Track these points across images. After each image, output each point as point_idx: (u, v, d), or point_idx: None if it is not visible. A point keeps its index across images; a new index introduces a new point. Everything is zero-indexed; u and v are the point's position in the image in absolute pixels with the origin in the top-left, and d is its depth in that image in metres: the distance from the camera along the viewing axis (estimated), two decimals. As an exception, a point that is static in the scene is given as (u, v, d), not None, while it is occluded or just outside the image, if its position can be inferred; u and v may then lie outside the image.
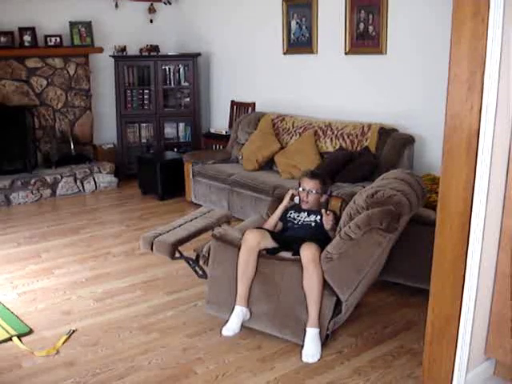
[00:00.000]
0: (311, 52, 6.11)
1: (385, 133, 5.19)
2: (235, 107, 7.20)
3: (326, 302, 3.24)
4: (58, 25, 7.04)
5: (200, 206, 5.66)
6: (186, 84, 7.53)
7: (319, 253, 3.21)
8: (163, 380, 3.09)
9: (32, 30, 6.81)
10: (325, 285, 3.20)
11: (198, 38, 7.69)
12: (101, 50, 7.29)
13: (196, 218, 4.32)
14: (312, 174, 3.85)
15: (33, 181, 6.64)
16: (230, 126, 7.12)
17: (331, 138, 5.54)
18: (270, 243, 3.47)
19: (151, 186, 6.75)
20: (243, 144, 6.31)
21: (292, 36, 6.34)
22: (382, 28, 5.33)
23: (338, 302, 3.26)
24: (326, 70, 5.99)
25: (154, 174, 6.64)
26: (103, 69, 7.49)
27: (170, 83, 7.51)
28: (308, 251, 3.22)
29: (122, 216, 6.20)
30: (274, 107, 6.51)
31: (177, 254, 3.82)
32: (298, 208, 3.82)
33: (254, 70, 6.92)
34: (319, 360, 3.22)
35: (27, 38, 6.80)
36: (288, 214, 3.82)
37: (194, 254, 3.86)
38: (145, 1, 7.73)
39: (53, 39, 6.97)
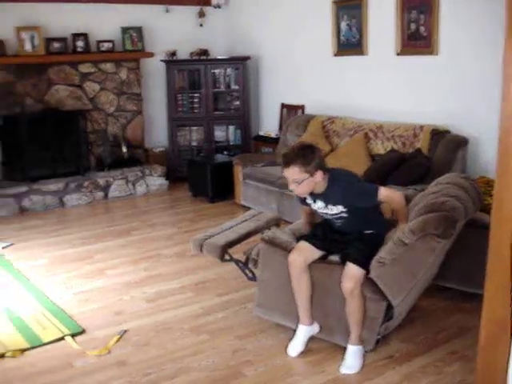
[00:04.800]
0: (361, 53, 6.06)
1: (437, 134, 5.09)
2: (285, 110, 7.19)
3: (377, 306, 3.19)
4: (110, 30, 7.17)
5: (249, 208, 5.67)
6: (236, 87, 7.56)
7: (360, 277, 3.10)
8: (213, 381, 3.10)
9: (85, 35, 6.95)
10: (376, 290, 3.15)
11: (247, 41, 7.72)
12: (152, 54, 7.38)
13: (245, 220, 4.32)
14: (286, 161, 3.13)
15: (86, 183, 6.77)
16: (280, 128, 7.12)
17: (382, 140, 5.47)
18: (316, 254, 3.31)
19: (201, 188, 6.80)
20: (293, 147, 6.29)
21: (342, 37, 6.29)
22: (434, 28, 5.23)
23: (390, 307, 3.21)
24: (377, 72, 5.92)
25: (204, 177, 6.69)
26: (154, 73, 7.60)
27: (220, 86, 7.56)
28: (347, 283, 3.09)
29: (173, 218, 6.26)
30: (323, 109, 6.47)
31: (226, 257, 3.83)
32: (311, 194, 3.29)
33: (303, 72, 6.90)
34: (359, 371, 3.15)
35: (80, 43, 6.95)
36: (307, 201, 3.38)
37: (244, 256, 3.86)
38: (195, 5, 7.80)
39: (105, 45, 7.10)
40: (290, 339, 3.39)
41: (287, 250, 3.41)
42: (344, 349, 3.24)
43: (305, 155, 3.09)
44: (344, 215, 3.24)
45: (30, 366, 3.29)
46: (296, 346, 3.33)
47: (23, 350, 3.44)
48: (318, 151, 3.18)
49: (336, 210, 3.23)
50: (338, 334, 3.32)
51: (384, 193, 3.17)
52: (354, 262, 3.12)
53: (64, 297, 4.21)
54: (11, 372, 3.23)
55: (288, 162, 3.10)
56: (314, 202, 3.30)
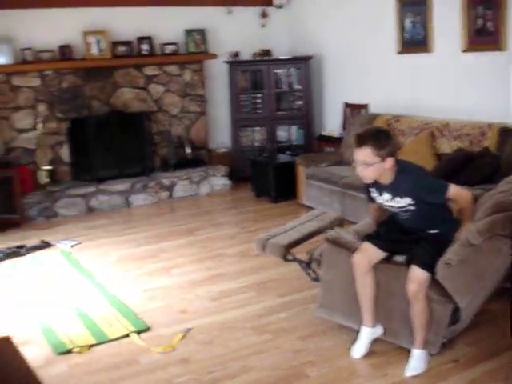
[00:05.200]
0: (426, 51, 5.93)
1: (506, 132, 4.93)
2: (348, 109, 7.12)
3: (443, 309, 3.11)
4: (174, 33, 7.28)
5: (312, 208, 5.63)
6: (299, 87, 7.54)
7: (426, 280, 3.02)
8: (275, 381, 3.10)
9: (149, 39, 7.08)
10: (442, 292, 3.07)
11: (309, 41, 7.69)
12: (215, 56, 7.45)
13: (309, 220, 4.29)
14: (359, 141, 3.01)
15: (151, 184, 6.90)
16: (343, 127, 7.06)
17: (448, 139, 5.34)
18: (380, 255, 3.25)
19: (264, 188, 6.82)
20: (356, 146, 6.22)
21: (406, 35, 6.18)
22: (502, 23, 5.07)
23: (457, 309, 3.12)
24: (442, 69, 5.78)
25: (267, 177, 6.70)
26: (217, 74, 7.66)
27: (283, 87, 7.55)
28: (413, 285, 3.03)
29: (236, 218, 6.30)
30: (388, 108, 6.37)
31: (289, 257, 3.81)
32: (377, 185, 3.18)
33: (366, 70, 6.82)
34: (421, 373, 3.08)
35: (145, 46, 7.08)
36: (375, 197, 3.27)
37: (307, 256, 3.84)
38: (257, 6, 7.82)
39: (169, 47, 7.22)
40: (353, 341, 3.34)
41: (351, 250, 3.37)
42: (408, 352, 3.17)
43: (379, 139, 2.99)
44: (411, 208, 3.11)
45: (97, 361, 3.37)
46: (359, 349, 3.29)
47: (90, 346, 3.53)
48: (393, 138, 3.11)
49: (403, 202, 3.10)
50: (402, 336, 3.25)
51: (453, 190, 3.07)
52: (420, 264, 3.04)
53: (130, 295, 4.29)
54: (78, 367, 3.32)
55: (361, 142, 2.99)
56: (380, 194, 3.18)
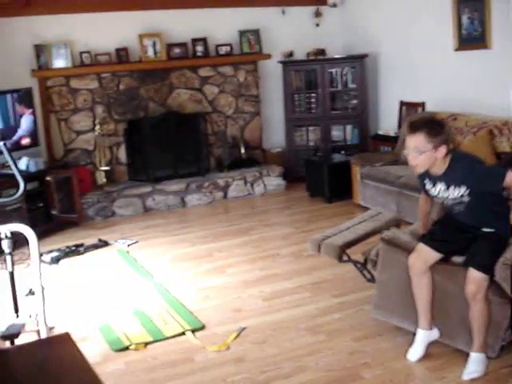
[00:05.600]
0: (484, 47, 5.76)
1: None
2: (404, 107, 7.01)
3: (503, 311, 3.02)
4: (228, 34, 7.32)
5: (368, 208, 5.57)
6: (353, 86, 7.46)
7: (484, 282, 2.94)
8: (329, 382, 3.07)
9: (204, 40, 7.14)
10: (502, 293, 2.99)
11: (364, 39, 7.61)
12: (269, 56, 7.46)
13: (364, 220, 4.25)
14: (412, 127, 2.95)
15: (206, 184, 6.95)
16: (399, 127, 6.95)
17: (508, 137, 5.19)
18: (436, 256, 3.16)
19: (319, 188, 6.78)
20: (412, 145, 6.12)
21: (463, 32, 6.04)
22: None
23: (517, 311, 3.03)
24: (501, 65, 5.62)
25: (322, 177, 6.66)
26: (271, 74, 7.67)
27: (337, 86, 7.49)
28: (471, 286, 2.95)
29: (290, 218, 6.28)
30: (444, 106, 6.24)
31: (344, 257, 3.78)
32: (431, 176, 3.10)
33: (422, 68, 6.69)
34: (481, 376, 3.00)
35: (199, 48, 7.15)
36: (427, 189, 3.19)
37: (362, 257, 3.80)
38: (311, 5, 7.79)
39: (223, 48, 7.26)
40: (410, 343, 3.28)
41: (408, 250, 3.31)
42: (466, 354, 3.09)
43: (433, 126, 2.94)
44: (465, 199, 3.01)
45: (153, 358, 3.42)
46: (415, 352, 3.23)
47: (146, 344, 3.58)
48: (447, 127, 3.03)
49: (458, 192, 2.99)
50: (459, 338, 3.18)
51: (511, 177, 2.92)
52: (477, 266, 2.96)
53: (185, 293, 4.34)
54: (135, 364, 3.37)
55: (414, 128, 2.93)
56: (434, 185, 3.09)
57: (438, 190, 3.08)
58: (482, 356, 3.04)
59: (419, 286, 3.19)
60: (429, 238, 3.23)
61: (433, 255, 3.16)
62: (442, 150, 2.93)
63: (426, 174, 3.11)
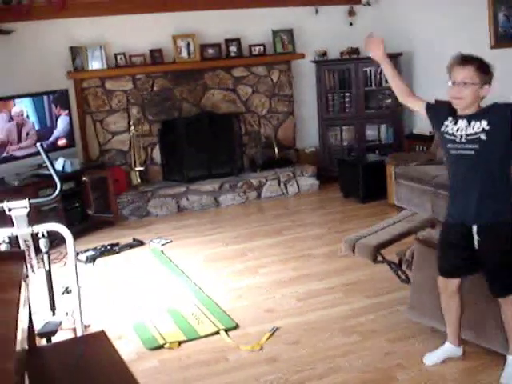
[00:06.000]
0: (523, 44, 5.68)
1: None
2: (439, 106, 6.91)
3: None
4: (261, 34, 7.32)
5: (402, 209, 5.52)
6: (388, 85, 7.36)
7: None
8: (363, 383, 3.06)
9: (237, 40, 7.16)
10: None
11: (398, 38, 7.53)
12: (302, 56, 7.45)
13: (399, 221, 4.21)
14: (463, 59, 2.87)
15: (240, 184, 6.97)
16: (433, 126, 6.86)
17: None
18: (457, 280, 3.06)
19: (352, 188, 6.74)
20: (448, 144, 6.04)
21: (500, 29, 5.94)
22: None
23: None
24: (541, 63, 5.52)
25: (356, 177, 6.62)
26: (305, 74, 7.65)
27: (371, 85, 7.43)
28: (498, 294, 2.93)
29: (324, 218, 6.26)
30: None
31: (379, 258, 3.75)
32: (454, 115, 2.94)
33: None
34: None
35: (233, 48, 7.17)
36: (444, 128, 2.97)
37: (397, 257, 3.77)
38: (345, 4, 7.75)
39: (257, 48, 7.27)
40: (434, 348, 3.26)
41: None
42: (503, 357, 3.05)
43: (483, 63, 2.89)
44: (482, 137, 2.79)
45: (187, 357, 3.44)
46: (434, 358, 3.19)
47: (180, 343, 3.61)
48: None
49: (477, 127, 2.81)
50: (496, 341, 3.12)
51: None
52: (503, 293, 2.91)
53: (218, 293, 4.36)
54: (169, 362, 3.40)
55: (466, 60, 2.86)
56: (456, 123, 2.91)
57: (458, 127, 2.89)
58: None
59: (448, 305, 3.15)
60: (442, 271, 3.11)
61: (454, 281, 3.08)
62: (487, 89, 2.87)
63: (449, 113, 2.98)
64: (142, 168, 6.93)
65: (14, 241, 3.66)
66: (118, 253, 5.42)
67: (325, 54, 7.52)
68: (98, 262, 5.22)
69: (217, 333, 3.70)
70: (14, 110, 5.72)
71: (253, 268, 4.84)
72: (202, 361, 3.39)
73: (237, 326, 3.78)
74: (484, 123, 2.79)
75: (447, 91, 2.92)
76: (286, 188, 7.20)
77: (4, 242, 3.51)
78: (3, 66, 6.06)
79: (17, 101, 5.77)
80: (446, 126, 2.94)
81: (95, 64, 6.60)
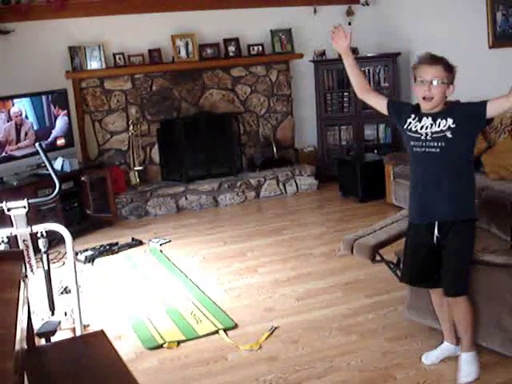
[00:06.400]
0: (521, 44, 5.69)
1: None
2: (438, 106, 6.92)
3: None
4: (260, 34, 7.32)
5: (401, 208, 5.52)
6: (386, 84, 7.41)
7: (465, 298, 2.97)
8: (362, 382, 3.06)
9: (236, 40, 7.16)
10: None
11: (397, 38, 7.54)
12: (301, 55, 7.45)
13: (397, 220, 4.21)
14: (432, 58, 2.88)
15: (238, 183, 6.97)
16: (432, 125, 6.87)
17: (545, 135, 5.10)
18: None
19: (351, 188, 6.75)
20: (446, 144, 6.05)
21: (498, 29, 5.95)
22: None
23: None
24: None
25: (354, 176, 6.63)
26: (303, 74, 7.65)
27: (370, 84, 7.42)
28: (452, 294, 2.98)
29: (323, 218, 6.26)
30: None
31: (377, 257, 3.75)
32: (418, 112, 2.92)
33: (456, 66, 6.59)
34: (475, 379, 2.96)
35: (232, 48, 7.17)
36: (407, 126, 2.94)
37: (395, 257, 3.77)
38: (343, 4, 7.75)
39: (255, 48, 7.27)
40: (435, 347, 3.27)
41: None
42: (502, 357, 3.07)
43: (449, 63, 2.91)
44: (448, 135, 2.79)
45: (186, 357, 3.45)
46: (433, 357, 3.20)
47: (179, 342, 3.61)
48: None
49: (443, 124, 2.81)
50: (496, 340, 3.13)
51: (491, 102, 2.88)
52: (458, 295, 2.97)
53: (217, 292, 4.36)
54: (168, 362, 3.40)
55: (435, 60, 2.87)
56: (419, 120, 2.89)
57: (423, 124, 2.88)
58: (472, 355, 3.03)
59: (440, 311, 3.20)
60: (410, 277, 3.19)
61: (437, 290, 3.13)
62: (452, 88, 2.88)
63: (412, 109, 2.97)
64: (140, 168, 6.94)
65: (12, 241, 3.66)
66: (116, 252, 5.42)
67: (323, 53, 7.52)
68: (97, 261, 5.22)
69: (216, 332, 3.70)
70: (13, 110, 5.72)
71: (252, 267, 4.84)
72: (201, 360, 3.40)
73: (236, 326, 3.78)
74: (450, 121, 2.81)
75: (414, 91, 2.91)
76: (284, 188, 7.20)
77: (3, 241, 3.52)
78: (2, 65, 6.07)
79: (15, 100, 5.76)
80: (409, 123, 2.92)
81: (94, 64, 6.60)
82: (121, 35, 6.71)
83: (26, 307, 1.98)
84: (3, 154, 5.62)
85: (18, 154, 5.76)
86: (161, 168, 7.18)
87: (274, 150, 7.41)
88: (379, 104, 3.14)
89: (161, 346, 3.57)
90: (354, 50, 7.50)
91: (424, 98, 2.84)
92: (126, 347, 3.56)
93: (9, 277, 2.00)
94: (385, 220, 4.26)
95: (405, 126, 2.94)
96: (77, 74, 6.59)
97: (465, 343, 3.04)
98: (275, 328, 3.70)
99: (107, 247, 5.47)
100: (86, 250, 5.38)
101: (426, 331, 3.48)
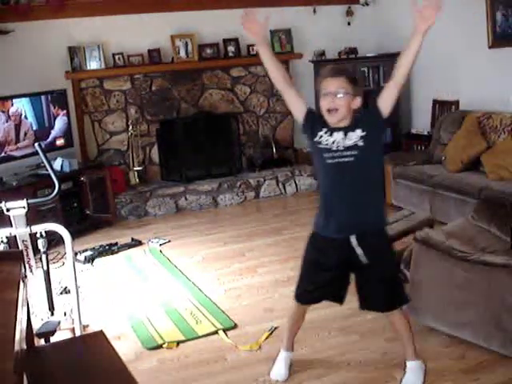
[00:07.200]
0: (520, 44, 5.68)
1: None
2: (437, 106, 6.93)
3: None
4: (260, 34, 7.31)
5: (401, 208, 5.52)
6: (386, 84, 7.38)
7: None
8: (362, 383, 3.06)
9: (235, 40, 7.16)
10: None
11: (396, 38, 7.50)
12: (301, 55, 7.45)
13: (397, 220, 4.23)
14: (335, 70, 2.83)
15: (238, 184, 6.97)
16: (432, 125, 6.87)
17: (545, 135, 5.10)
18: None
19: (350, 188, 6.73)
20: (446, 144, 6.05)
21: (497, 29, 5.94)
22: None
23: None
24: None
25: (353, 176, 6.61)
26: (303, 74, 7.64)
27: (369, 85, 7.44)
28: (386, 309, 3.03)
29: (322, 218, 6.25)
30: (479, 104, 6.15)
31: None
32: (329, 127, 2.83)
33: (456, 66, 6.60)
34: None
35: (231, 48, 7.17)
36: (318, 138, 2.86)
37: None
38: (342, 4, 7.75)
39: (255, 48, 7.25)
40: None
41: (441, 250, 3.28)
42: (502, 357, 3.07)
43: (353, 74, 2.89)
44: (360, 144, 2.77)
45: (185, 357, 3.44)
46: (281, 371, 3.18)
47: (179, 342, 3.60)
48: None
49: (354, 136, 2.78)
50: (496, 341, 3.12)
51: (381, 96, 2.89)
52: (392, 309, 3.01)
53: (217, 292, 4.36)
54: (168, 362, 3.40)
55: (338, 72, 2.81)
56: (331, 134, 2.82)
57: (334, 139, 2.81)
58: (419, 363, 3.05)
59: (296, 323, 3.21)
60: (305, 296, 3.14)
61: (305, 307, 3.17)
62: (358, 101, 2.82)
63: (324, 123, 2.86)
64: (140, 168, 6.94)
65: (12, 241, 3.66)
66: (116, 253, 5.42)
67: (323, 53, 7.52)
68: (97, 261, 5.21)
69: (215, 332, 3.70)
70: (12, 110, 5.71)
71: (251, 268, 4.84)
72: (201, 360, 3.39)
73: (235, 326, 3.78)
74: (358, 131, 2.78)
75: (320, 104, 2.83)
76: (284, 188, 7.20)
77: (2, 242, 3.52)
78: (1, 65, 6.06)
79: (15, 101, 5.76)
80: (321, 137, 2.85)
81: (93, 64, 6.60)
82: (120, 35, 6.70)
83: (25, 307, 1.97)
84: (2, 155, 5.61)
85: (17, 154, 5.75)
86: (160, 168, 7.18)
87: (274, 150, 7.41)
88: (297, 106, 3.01)
89: (160, 346, 3.57)
90: (354, 50, 7.51)
91: (329, 111, 2.79)
92: (126, 347, 3.56)
93: (8, 277, 1.99)
94: (385, 220, 4.26)
95: (315, 139, 2.87)
96: (76, 74, 6.59)
97: (410, 352, 3.04)
98: (275, 328, 3.69)
99: (107, 247, 5.47)
100: (86, 251, 5.38)
101: (425, 331, 3.47)
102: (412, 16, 2.76)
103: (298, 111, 2.99)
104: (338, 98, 2.75)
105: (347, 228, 2.86)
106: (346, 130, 2.79)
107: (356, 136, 2.78)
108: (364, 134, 2.78)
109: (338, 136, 2.80)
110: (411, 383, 3.00)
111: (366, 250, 2.84)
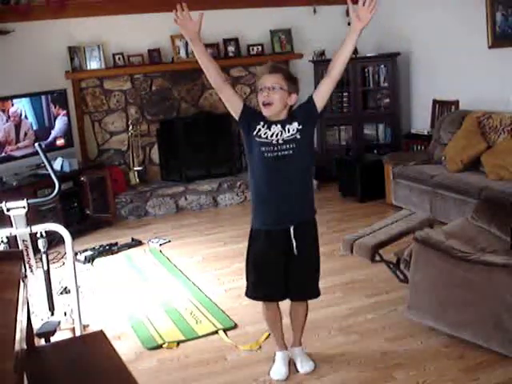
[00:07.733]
0: (520, 44, 5.68)
1: None
2: (437, 106, 6.93)
3: None
4: (260, 34, 7.33)
5: (401, 208, 5.52)
6: (386, 85, 7.40)
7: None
8: (361, 382, 3.07)
9: (235, 40, 7.17)
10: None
11: (397, 37, 7.54)
12: (301, 55, 7.46)
13: (397, 220, 4.22)
14: (273, 67, 2.95)
15: (238, 183, 6.97)
16: (432, 125, 6.87)
17: (545, 135, 5.10)
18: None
19: (351, 188, 6.74)
20: (446, 144, 6.05)
21: (497, 29, 5.94)
22: None
23: None
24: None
25: (354, 176, 6.63)
26: (303, 74, 7.60)
27: (369, 84, 7.44)
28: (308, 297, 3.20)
29: (322, 218, 6.18)
30: (479, 104, 6.15)
31: (377, 257, 3.76)
32: (267, 121, 2.94)
33: (456, 66, 6.60)
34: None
35: (231, 48, 7.18)
36: (256, 132, 2.94)
37: (395, 257, 3.77)
38: (342, 4, 7.74)
39: (255, 48, 7.27)
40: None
41: (441, 250, 3.28)
42: (501, 357, 3.07)
43: (290, 73, 3.05)
44: (297, 137, 2.89)
45: (185, 357, 3.45)
46: (281, 371, 3.21)
47: (179, 342, 3.61)
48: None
49: (292, 129, 2.90)
50: (495, 341, 3.13)
51: (316, 91, 3.06)
52: (314, 297, 3.17)
53: (217, 292, 4.36)
54: (167, 362, 3.40)
55: (275, 69, 2.95)
56: (269, 128, 2.91)
57: (273, 132, 2.91)
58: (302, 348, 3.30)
59: (276, 326, 3.26)
60: (264, 293, 3.20)
61: (273, 306, 3.22)
62: (294, 97, 2.96)
63: (261, 117, 2.95)
64: (140, 168, 6.94)
65: (12, 241, 3.66)
66: (116, 253, 5.42)
67: (323, 53, 7.52)
68: (97, 261, 5.21)
69: (215, 332, 3.70)
70: (12, 110, 5.72)
71: (251, 268, 4.83)
72: (201, 360, 3.39)
73: (235, 326, 3.78)
74: (295, 124, 2.91)
75: (257, 99, 2.95)
76: (284, 188, 7.18)
77: (2, 242, 3.52)
78: (1, 65, 6.06)
79: (15, 101, 5.76)
80: (259, 130, 2.92)
81: (93, 64, 6.60)
82: (120, 35, 6.70)
83: (25, 307, 1.97)
84: (3, 154, 5.62)
85: (17, 154, 5.76)
86: (160, 168, 7.18)
87: (274, 150, 7.39)
88: (234, 103, 3.00)
89: (160, 346, 3.57)
90: (354, 50, 7.49)
91: (264, 104, 2.89)
92: (126, 347, 3.56)
93: (8, 277, 2.00)
94: (384, 220, 4.27)
95: (254, 133, 2.93)
96: (76, 74, 6.59)
97: (300, 338, 3.27)
98: (275, 328, 3.69)
99: (107, 247, 5.47)
100: (86, 250, 5.38)
101: (425, 331, 3.48)
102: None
103: (236, 107, 3.00)
104: (272, 92, 2.87)
105: (287, 219, 2.98)
106: (284, 124, 2.91)
107: (293, 129, 2.90)
108: (300, 127, 2.91)
109: (277, 129, 2.91)
110: (309, 365, 3.21)
111: (299, 239, 2.97)
